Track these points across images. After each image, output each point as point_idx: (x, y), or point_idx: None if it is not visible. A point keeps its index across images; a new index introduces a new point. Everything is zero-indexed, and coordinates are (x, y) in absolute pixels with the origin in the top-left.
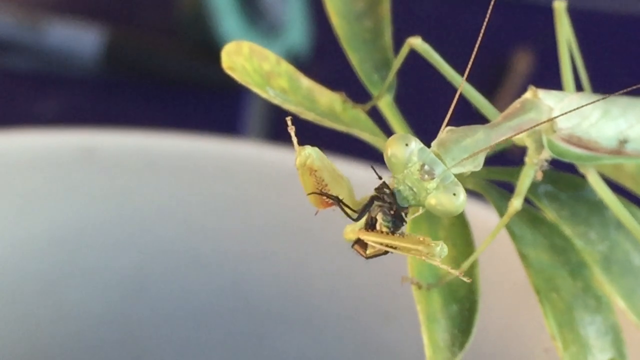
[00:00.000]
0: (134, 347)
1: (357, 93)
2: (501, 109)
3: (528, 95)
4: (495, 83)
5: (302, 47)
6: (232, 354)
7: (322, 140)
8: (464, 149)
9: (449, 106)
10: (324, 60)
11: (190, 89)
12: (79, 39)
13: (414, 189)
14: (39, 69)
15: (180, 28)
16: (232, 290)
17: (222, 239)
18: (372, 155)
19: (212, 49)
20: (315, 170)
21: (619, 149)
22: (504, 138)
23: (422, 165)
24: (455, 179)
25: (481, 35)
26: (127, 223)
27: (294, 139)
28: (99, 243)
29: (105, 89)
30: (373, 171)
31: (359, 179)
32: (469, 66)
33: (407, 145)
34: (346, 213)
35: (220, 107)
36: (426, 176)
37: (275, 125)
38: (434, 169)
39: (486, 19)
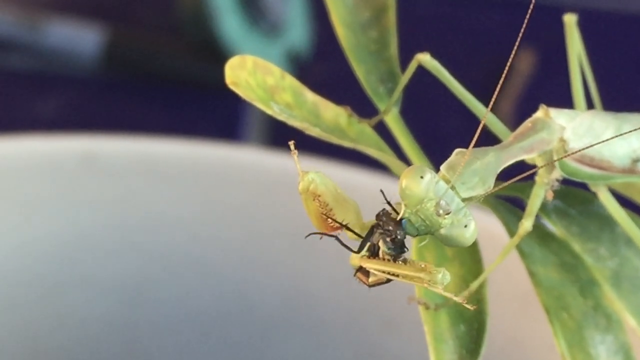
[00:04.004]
0: (135, 353)
1: (357, 92)
2: (503, 108)
3: (539, 114)
4: (496, 83)
5: (302, 46)
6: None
7: (329, 144)
8: (475, 172)
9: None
10: (324, 60)
11: (190, 89)
12: (79, 38)
13: (427, 222)
14: (39, 69)
15: (181, 28)
16: (233, 296)
17: (223, 244)
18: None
19: (212, 49)
20: (319, 195)
21: (632, 168)
22: (515, 160)
23: (439, 202)
24: (467, 211)
25: (510, 42)
26: (128, 229)
27: (297, 164)
28: (99, 249)
29: (105, 89)
30: (382, 178)
31: (365, 186)
32: (494, 98)
33: (422, 177)
34: (345, 246)
35: (220, 107)
36: (441, 211)
37: (276, 128)
38: (451, 205)
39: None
